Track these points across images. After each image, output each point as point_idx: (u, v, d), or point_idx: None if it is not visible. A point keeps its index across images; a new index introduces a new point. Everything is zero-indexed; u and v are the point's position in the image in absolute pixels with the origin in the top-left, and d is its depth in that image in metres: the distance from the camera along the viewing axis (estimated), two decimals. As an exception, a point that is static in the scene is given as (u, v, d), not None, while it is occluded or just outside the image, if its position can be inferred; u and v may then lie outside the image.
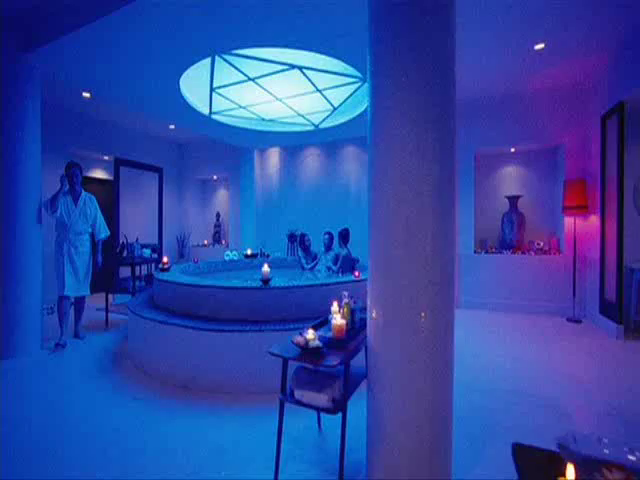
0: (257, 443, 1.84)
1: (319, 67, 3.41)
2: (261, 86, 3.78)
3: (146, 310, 2.89)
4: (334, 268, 4.63)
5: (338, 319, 1.56)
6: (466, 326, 4.05)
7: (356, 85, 3.91)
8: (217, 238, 7.40)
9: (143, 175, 5.92)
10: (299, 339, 1.45)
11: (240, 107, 4.40)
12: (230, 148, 6.74)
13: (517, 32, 3.19)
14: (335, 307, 1.95)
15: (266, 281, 2.73)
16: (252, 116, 4.82)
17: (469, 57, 3.65)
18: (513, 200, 4.96)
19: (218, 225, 7.43)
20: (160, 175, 6.04)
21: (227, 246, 7.12)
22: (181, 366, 2.48)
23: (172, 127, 5.82)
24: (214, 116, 4.58)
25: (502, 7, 2.81)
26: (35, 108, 3.27)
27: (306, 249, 5.03)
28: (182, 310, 2.81)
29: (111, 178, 6.21)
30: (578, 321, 4.18)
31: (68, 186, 3.42)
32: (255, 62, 3.29)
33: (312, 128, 5.20)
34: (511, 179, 5.23)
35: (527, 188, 5.09)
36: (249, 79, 3.59)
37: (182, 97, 3.87)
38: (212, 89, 3.82)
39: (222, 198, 7.61)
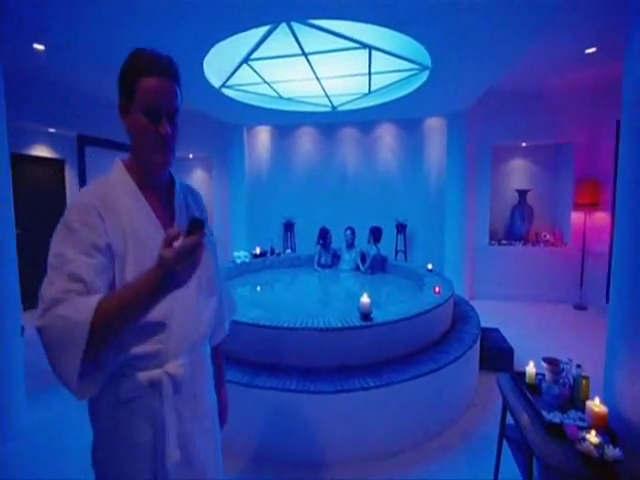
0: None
1: (383, 49, 2.86)
2: (309, 63, 3.08)
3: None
4: (362, 268, 4.33)
5: (598, 405, 1.31)
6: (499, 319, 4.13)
7: (407, 73, 3.47)
8: (195, 227, 6.43)
9: (109, 155, 4.69)
10: (589, 448, 1.17)
11: (264, 82, 3.60)
12: (214, 124, 5.70)
13: (571, 33, 2.98)
14: (531, 369, 1.69)
15: (366, 315, 2.33)
16: (270, 93, 4.02)
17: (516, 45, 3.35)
18: (523, 194, 5.11)
19: (196, 212, 6.43)
20: (133, 156, 4.85)
21: (210, 237, 6.25)
22: (280, 439, 1.98)
23: (147, 95, 4.61)
24: (224, 90, 3.70)
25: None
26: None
27: (327, 246, 4.61)
28: (254, 358, 2.25)
29: (58, 157, 4.84)
30: (584, 308, 4.60)
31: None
32: (314, 37, 2.61)
33: (329, 109, 4.59)
34: (518, 172, 5.37)
35: (533, 182, 5.28)
36: (303, 54, 2.87)
37: (201, 65, 2.97)
38: (246, 60, 2.99)
39: (200, 181, 6.55)
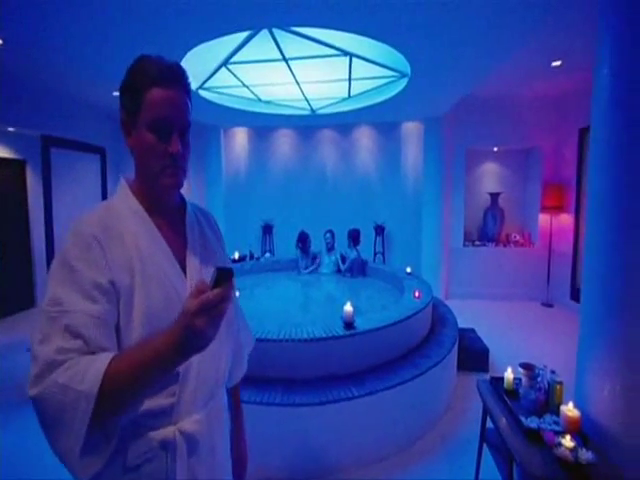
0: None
1: (363, 57, 2.89)
2: (290, 68, 3.05)
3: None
4: (342, 268, 4.37)
5: (572, 409, 1.39)
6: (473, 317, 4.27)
7: (386, 80, 3.52)
8: (170, 230, 6.23)
9: (78, 157, 4.45)
10: (565, 453, 1.24)
11: (243, 85, 3.53)
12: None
13: (540, 48, 3.13)
14: (509, 375, 1.76)
15: (350, 324, 2.35)
16: (249, 95, 3.96)
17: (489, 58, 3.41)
18: (495, 196, 5.32)
19: (170, 214, 6.24)
20: (102, 157, 4.63)
21: (186, 240, 6.09)
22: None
23: (117, 94, 4.41)
24: (201, 91, 3.60)
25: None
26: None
27: (307, 250, 4.60)
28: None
29: (18, 157, 4.54)
30: (551, 305, 4.87)
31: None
32: (295, 42, 2.59)
33: (308, 113, 4.58)
34: (490, 176, 5.58)
35: (504, 185, 5.51)
36: (283, 59, 2.84)
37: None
38: (225, 63, 2.92)
39: (173, 182, 6.34)
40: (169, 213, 0.75)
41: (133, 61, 0.68)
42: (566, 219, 4.81)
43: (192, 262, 0.73)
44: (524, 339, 3.80)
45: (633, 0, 1.36)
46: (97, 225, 0.64)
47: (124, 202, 0.69)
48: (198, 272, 0.72)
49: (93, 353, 0.57)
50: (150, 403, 0.64)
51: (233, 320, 0.84)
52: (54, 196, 4.17)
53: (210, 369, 0.72)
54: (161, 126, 0.66)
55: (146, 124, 0.66)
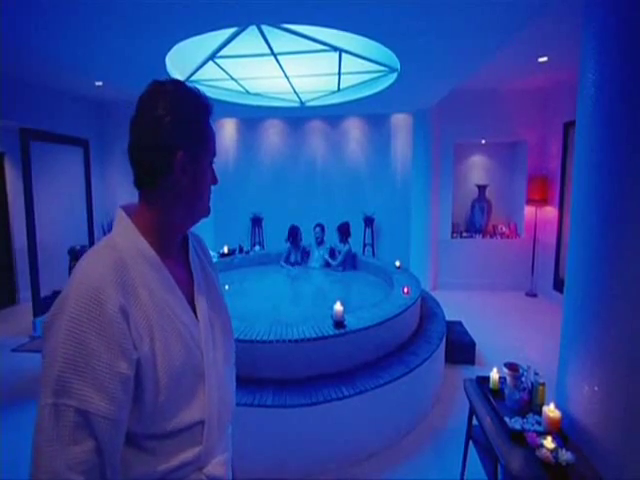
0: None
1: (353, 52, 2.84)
2: (279, 62, 2.97)
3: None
4: (333, 263, 4.39)
5: (553, 410, 1.46)
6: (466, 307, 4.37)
7: (376, 74, 3.48)
8: (157, 223, 6.12)
9: (60, 149, 4.29)
10: (546, 454, 1.30)
11: (231, 79, 3.43)
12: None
13: (527, 44, 3.14)
14: (495, 375, 1.83)
15: (340, 323, 2.38)
16: (237, 88, 3.85)
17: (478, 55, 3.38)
18: (482, 188, 5.38)
19: (157, 207, 6.11)
20: (86, 149, 4.47)
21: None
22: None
23: (99, 84, 4.24)
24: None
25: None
26: None
27: (297, 244, 4.60)
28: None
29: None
30: (535, 295, 5.02)
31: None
32: (283, 37, 2.52)
33: (298, 105, 4.50)
34: (477, 168, 5.63)
35: (491, 177, 5.57)
36: (272, 54, 2.76)
37: (163, 60, 2.77)
38: (212, 57, 2.82)
39: (159, 173, 6.19)
40: (175, 249, 0.70)
41: (178, 88, 0.62)
42: (550, 211, 4.92)
43: (200, 301, 0.70)
44: (509, 329, 3.94)
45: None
46: (117, 288, 0.55)
47: (131, 243, 0.60)
48: (206, 311, 0.70)
49: (103, 459, 0.53)
50: (180, 456, 0.62)
51: (233, 345, 0.82)
52: (35, 190, 4.02)
53: (227, 411, 0.72)
54: (212, 158, 0.68)
55: (209, 159, 0.66)
